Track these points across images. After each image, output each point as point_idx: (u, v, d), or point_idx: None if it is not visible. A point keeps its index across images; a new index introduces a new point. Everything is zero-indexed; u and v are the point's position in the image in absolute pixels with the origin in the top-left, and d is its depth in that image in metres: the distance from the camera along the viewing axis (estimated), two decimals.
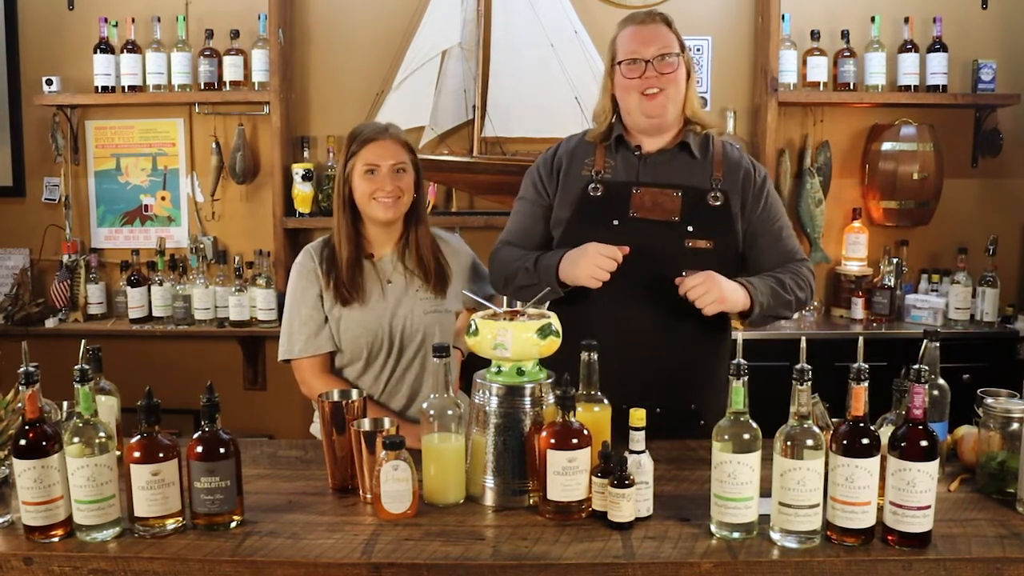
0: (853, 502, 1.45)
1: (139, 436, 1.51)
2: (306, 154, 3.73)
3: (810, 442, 1.46)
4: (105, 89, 3.66)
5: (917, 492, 1.44)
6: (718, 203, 2.12)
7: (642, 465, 1.57)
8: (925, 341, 1.78)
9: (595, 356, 1.69)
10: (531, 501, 1.65)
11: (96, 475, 1.49)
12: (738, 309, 2.04)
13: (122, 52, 3.65)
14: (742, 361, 1.50)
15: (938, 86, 3.62)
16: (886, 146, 3.65)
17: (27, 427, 1.49)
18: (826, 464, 1.49)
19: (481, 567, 1.44)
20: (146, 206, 3.88)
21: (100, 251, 3.86)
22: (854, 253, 3.70)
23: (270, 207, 3.69)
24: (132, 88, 3.66)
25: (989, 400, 1.73)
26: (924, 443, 1.45)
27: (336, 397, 1.81)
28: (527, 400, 1.66)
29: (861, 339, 1.52)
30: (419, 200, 2.25)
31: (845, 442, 1.46)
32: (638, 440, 1.58)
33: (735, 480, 1.48)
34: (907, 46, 3.61)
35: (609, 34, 2.20)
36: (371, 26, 3.74)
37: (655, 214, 2.11)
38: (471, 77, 3.68)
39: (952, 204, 3.73)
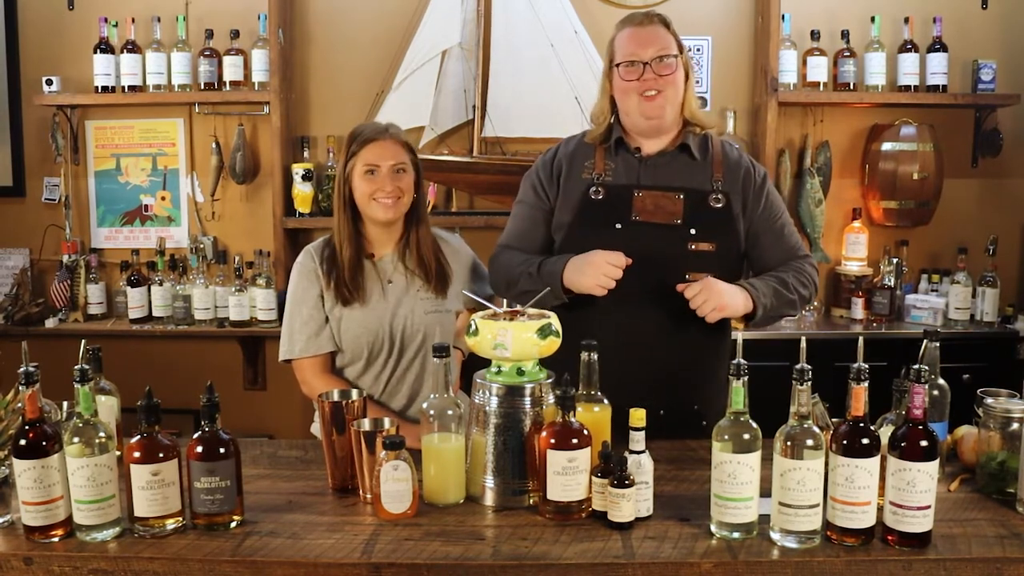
0: (853, 502, 1.45)
1: (139, 436, 1.51)
2: (306, 154, 3.73)
3: (810, 442, 1.46)
4: (105, 89, 3.66)
5: (917, 492, 1.44)
6: (719, 205, 2.12)
7: (642, 465, 1.57)
8: (925, 341, 1.78)
9: (595, 356, 1.69)
10: (531, 501, 1.65)
11: (96, 475, 1.49)
12: (740, 313, 2.05)
13: (122, 52, 3.65)
14: (742, 361, 1.50)
15: (938, 86, 3.62)
16: (886, 146, 3.65)
17: (27, 427, 1.49)
18: (826, 464, 1.49)
19: (481, 567, 1.44)
20: (146, 206, 3.88)
21: (100, 251, 3.86)
22: (854, 253, 3.70)
23: (270, 207, 3.69)
24: (132, 88, 3.66)
25: (989, 400, 1.73)
26: (924, 443, 1.45)
27: (336, 397, 1.81)
28: (527, 400, 1.66)
29: (861, 339, 1.53)
30: (419, 200, 2.25)
31: (845, 442, 1.46)
32: (638, 440, 1.58)
33: (735, 480, 1.48)
34: (907, 46, 3.61)
35: (609, 34, 2.20)
36: (371, 26, 3.74)
37: (657, 217, 2.11)
38: (471, 77, 3.68)
39: (952, 204, 3.73)
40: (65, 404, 1.76)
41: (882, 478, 1.48)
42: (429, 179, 3.35)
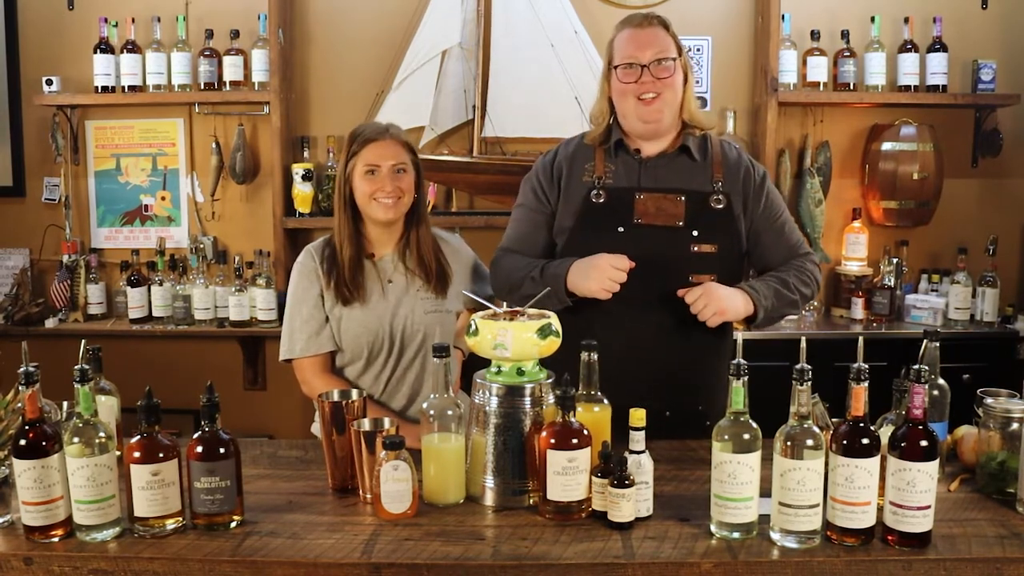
0: (853, 502, 1.45)
1: (139, 436, 1.51)
2: (306, 154, 3.73)
3: (810, 442, 1.46)
4: (105, 89, 3.66)
5: (917, 492, 1.44)
6: (720, 206, 2.12)
7: (642, 465, 1.57)
8: (925, 341, 1.78)
9: (595, 356, 1.69)
10: (531, 501, 1.65)
11: (96, 475, 1.49)
12: (741, 317, 2.06)
13: (122, 52, 3.65)
14: (742, 361, 1.50)
15: (938, 86, 3.61)
16: (886, 146, 3.65)
17: (27, 427, 1.49)
18: (826, 464, 1.49)
19: (481, 567, 1.44)
20: (146, 206, 3.87)
21: (100, 251, 3.86)
22: (854, 253, 3.70)
23: (270, 207, 3.69)
24: (132, 88, 3.66)
25: (989, 400, 1.73)
26: (924, 443, 1.45)
27: (336, 397, 1.81)
28: (527, 400, 1.66)
29: (861, 339, 1.53)
30: (420, 200, 2.25)
31: (845, 442, 1.46)
32: (638, 440, 1.58)
33: (735, 480, 1.48)
34: (907, 46, 3.61)
35: (609, 34, 2.19)
36: (371, 26, 3.74)
37: (659, 219, 2.11)
38: (471, 77, 3.68)
39: (952, 204, 3.73)
40: (65, 404, 1.76)
41: (882, 478, 1.48)
42: (429, 179, 3.35)
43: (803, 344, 1.53)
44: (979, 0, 3.71)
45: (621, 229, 2.10)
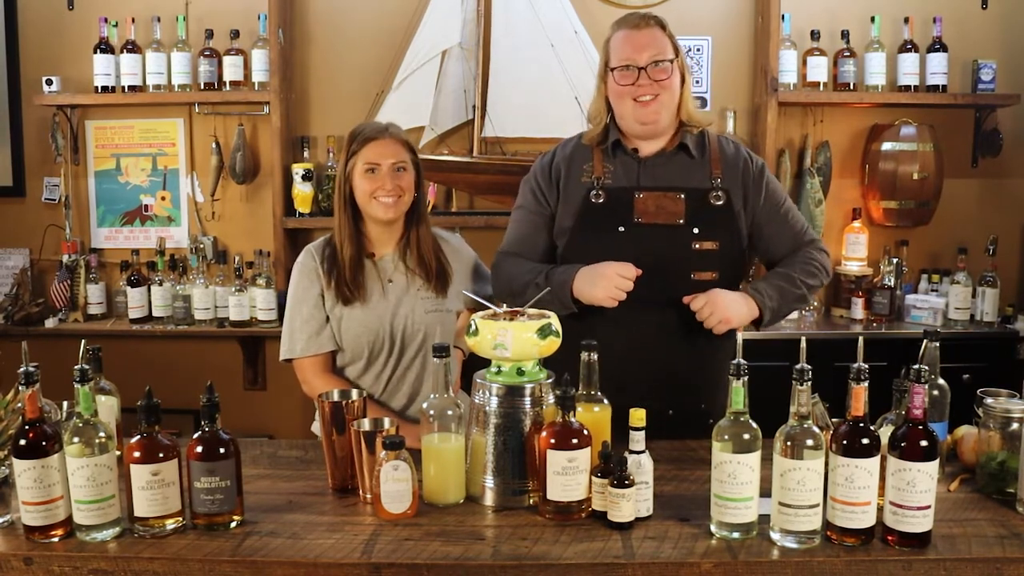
0: (853, 502, 1.45)
1: (139, 436, 1.51)
2: (306, 154, 3.73)
3: (810, 442, 1.46)
4: (105, 89, 3.66)
5: (917, 492, 1.44)
6: (720, 202, 2.12)
7: (642, 465, 1.57)
8: (925, 341, 1.78)
9: (595, 356, 1.69)
10: (531, 501, 1.65)
11: (96, 475, 1.49)
12: (747, 322, 2.08)
13: (122, 52, 3.65)
14: (742, 361, 1.50)
15: (938, 86, 3.61)
16: (886, 146, 3.65)
17: (27, 427, 1.49)
18: (826, 464, 1.49)
19: (481, 567, 1.44)
20: (146, 206, 3.87)
21: (100, 251, 3.86)
22: (854, 253, 3.70)
23: (270, 207, 3.69)
24: (132, 88, 3.66)
25: (989, 400, 1.73)
26: (924, 443, 1.45)
27: (336, 397, 1.81)
28: (527, 400, 1.66)
29: (861, 339, 1.53)
30: (419, 199, 2.25)
31: (845, 442, 1.46)
32: (638, 440, 1.58)
33: (735, 480, 1.48)
34: (907, 46, 3.61)
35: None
36: (371, 26, 3.74)
37: (660, 218, 2.11)
38: (471, 77, 3.68)
39: (952, 204, 3.73)
40: (65, 404, 1.76)
41: (882, 478, 1.48)
42: (429, 179, 3.35)
43: (803, 344, 1.53)
44: (979, 0, 3.71)
45: (621, 229, 2.10)
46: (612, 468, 1.55)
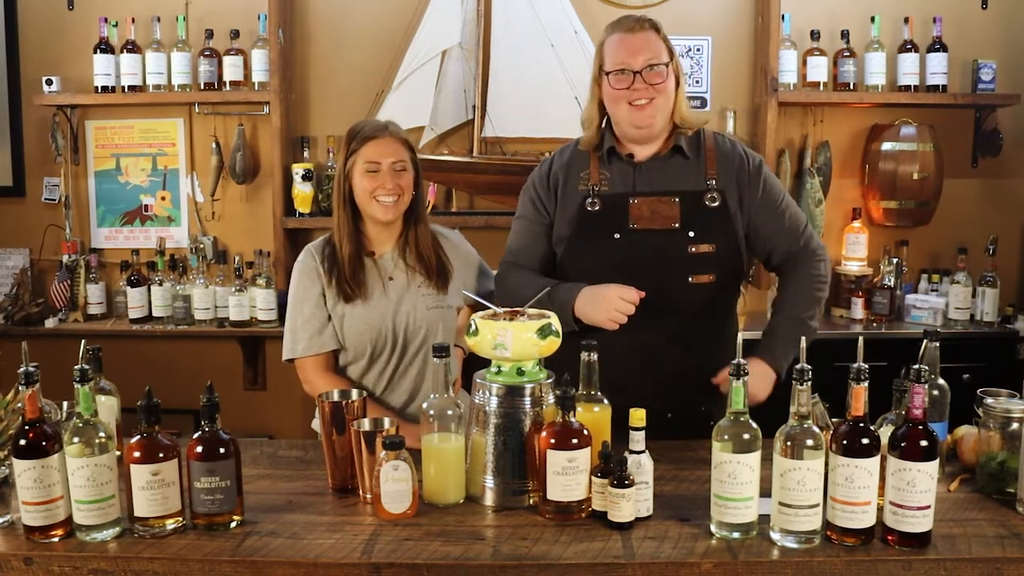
0: (853, 502, 1.45)
1: (139, 436, 1.51)
2: (306, 154, 3.73)
3: (810, 442, 1.46)
4: (105, 89, 3.66)
5: (917, 492, 1.44)
6: (715, 204, 2.12)
7: (642, 465, 1.57)
8: (925, 341, 1.78)
9: (595, 356, 1.69)
10: (531, 501, 1.66)
11: (96, 475, 1.49)
12: (771, 383, 2.09)
13: (122, 52, 3.65)
14: (742, 361, 1.50)
15: (938, 86, 3.61)
16: (886, 146, 3.65)
17: (27, 427, 1.49)
18: (826, 464, 1.49)
19: (481, 567, 1.44)
20: (146, 206, 3.88)
21: (100, 251, 3.86)
22: (854, 253, 3.70)
23: (270, 207, 3.69)
24: (132, 88, 3.66)
25: (989, 400, 1.73)
26: (924, 443, 1.45)
27: (336, 397, 1.81)
28: (527, 400, 1.66)
29: (861, 339, 1.53)
30: (418, 198, 2.25)
31: (845, 442, 1.46)
32: (638, 440, 1.58)
33: (735, 480, 1.48)
34: (907, 46, 3.61)
35: None
36: (371, 26, 3.74)
37: (655, 223, 2.10)
38: (471, 77, 3.68)
39: (952, 204, 3.73)
40: (65, 404, 1.76)
41: (882, 478, 1.48)
42: (429, 179, 3.36)
43: (803, 344, 1.53)
44: (979, 0, 3.71)
45: (617, 235, 2.10)
46: (612, 468, 1.56)
